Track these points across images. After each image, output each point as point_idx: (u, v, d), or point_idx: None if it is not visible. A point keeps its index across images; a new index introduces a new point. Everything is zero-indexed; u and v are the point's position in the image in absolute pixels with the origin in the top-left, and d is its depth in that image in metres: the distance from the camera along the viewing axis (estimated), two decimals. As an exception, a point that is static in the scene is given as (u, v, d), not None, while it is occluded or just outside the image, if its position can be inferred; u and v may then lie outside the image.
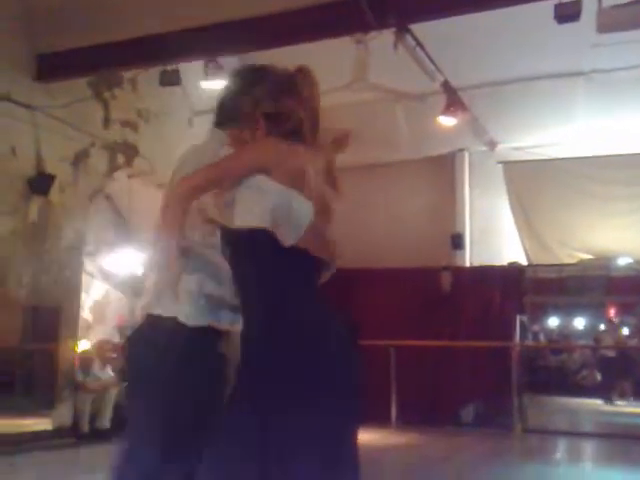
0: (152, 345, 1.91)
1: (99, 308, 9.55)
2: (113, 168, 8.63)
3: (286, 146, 1.89)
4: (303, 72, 2.02)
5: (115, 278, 9.57)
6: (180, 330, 1.88)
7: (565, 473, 6.76)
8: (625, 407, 12.82)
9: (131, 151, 8.77)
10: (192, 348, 1.88)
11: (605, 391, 13.58)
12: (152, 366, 1.89)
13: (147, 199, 9.36)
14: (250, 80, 2.08)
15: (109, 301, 9.74)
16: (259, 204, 1.78)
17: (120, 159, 8.69)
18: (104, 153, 8.49)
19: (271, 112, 1.99)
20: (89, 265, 9.18)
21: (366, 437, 3.78)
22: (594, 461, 7.37)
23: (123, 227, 9.48)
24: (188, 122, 8.97)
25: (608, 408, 12.83)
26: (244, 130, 2.01)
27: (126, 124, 8.31)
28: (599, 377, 14.45)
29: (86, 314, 9.19)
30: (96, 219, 9.04)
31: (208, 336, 1.90)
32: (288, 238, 1.76)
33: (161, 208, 1.86)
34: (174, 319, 1.89)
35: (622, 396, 13.42)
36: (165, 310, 1.91)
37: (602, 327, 16.51)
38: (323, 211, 1.86)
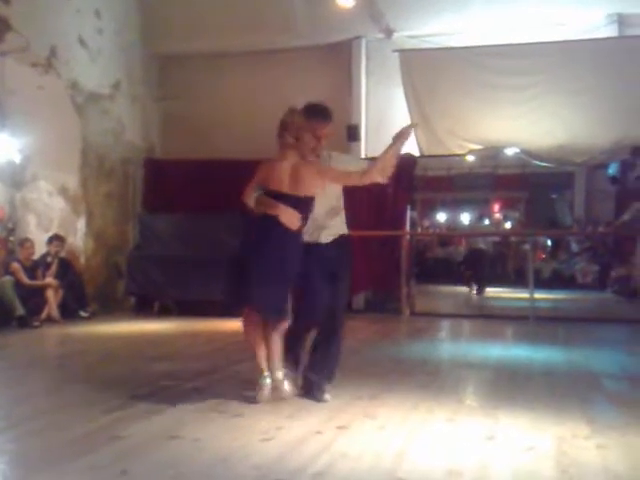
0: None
1: (-25, 200, 8.90)
2: (-18, 43, 7.86)
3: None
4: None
5: (-9, 166, 8.89)
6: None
7: (449, 348, 7.21)
8: (502, 293, 13.66)
9: (2, 25, 8.00)
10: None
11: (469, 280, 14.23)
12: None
13: (22, 79, 8.63)
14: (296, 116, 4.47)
15: (-15, 192, 9.09)
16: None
17: (-11, 34, 7.91)
18: (-30, 26, 7.70)
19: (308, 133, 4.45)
20: (-40, 153, 8.47)
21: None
22: (474, 338, 7.87)
23: (-3, 110, 8.72)
24: (66, -8, 8.22)
25: (484, 294, 13.58)
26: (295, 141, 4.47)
27: (-6, -8, 7.51)
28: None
29: (-39, 206, 8.56)
30: (-34, 102, 8.27)
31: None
32: None
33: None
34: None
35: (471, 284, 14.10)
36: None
37: (486, 222, 17.34)
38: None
